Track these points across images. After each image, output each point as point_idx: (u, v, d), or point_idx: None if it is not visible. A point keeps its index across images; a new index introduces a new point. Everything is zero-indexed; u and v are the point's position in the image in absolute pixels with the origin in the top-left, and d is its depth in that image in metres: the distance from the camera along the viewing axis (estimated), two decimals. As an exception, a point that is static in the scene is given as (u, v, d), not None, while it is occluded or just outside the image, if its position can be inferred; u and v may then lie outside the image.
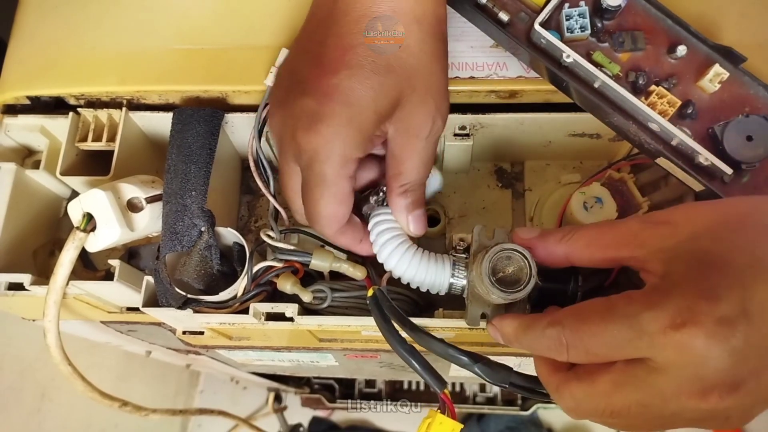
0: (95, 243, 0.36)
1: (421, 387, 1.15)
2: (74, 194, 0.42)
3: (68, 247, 0.36)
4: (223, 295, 0.36)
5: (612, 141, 0.41)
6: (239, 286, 0.36)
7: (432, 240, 0.44)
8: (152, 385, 1.12)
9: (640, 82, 0.33)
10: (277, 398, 1.21)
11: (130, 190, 0.37)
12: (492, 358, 0.32)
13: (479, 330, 0.36)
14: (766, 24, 0.37)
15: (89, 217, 0.36)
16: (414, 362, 0.32)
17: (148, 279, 0.37)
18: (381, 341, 0.34)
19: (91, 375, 0.43)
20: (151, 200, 0.37)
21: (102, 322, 0.50)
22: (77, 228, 0.36)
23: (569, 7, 0.34)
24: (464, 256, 0.35)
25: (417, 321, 0.34)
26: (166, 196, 0.36)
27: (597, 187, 0.39)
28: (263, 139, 0.39)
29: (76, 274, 0.37)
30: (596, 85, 0.33)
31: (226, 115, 0.39)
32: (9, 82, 0.41)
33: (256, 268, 0.36)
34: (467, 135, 0.40)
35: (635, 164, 0.41)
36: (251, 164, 0.38)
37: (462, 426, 0.31)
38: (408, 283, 0.35)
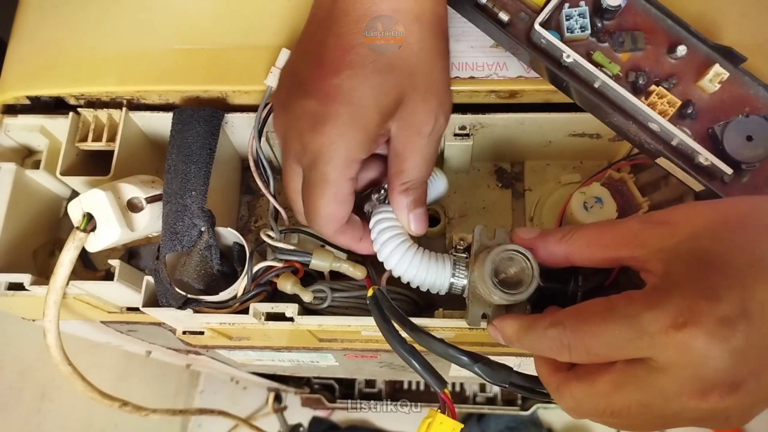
0: (95, 243, 0.36)
1: (421, 387, 1.15)
2: (74, 194, 0.42)
3: (68, 247, 0.36)
4: (223, 295, 0.36)
5: (612, 141, 0.41)
6: (239, 286, 0.36)
7: (432, 240, 0.44)
8: (152, 385, 1.12)
9: (640, 82, 0.33)
10: (277, 398, 1.21)
11: (130, 190, 0.37)
12: (492, 358, 0.32)
13: (479, 330, 0.36)
14: (766, 24, 0.37)
15: (89, 217, 0.36)
16: (414, 362, 0.32)
17: (148, 279, 0.37)
18: (381, 341, 0.34)
19: (91, 375, 0.43)
20: (151, 200, 0.37)
21: (102, 322, 0.50)
22: (77, 228, 0.36)
23: (569, 7, 0.34)
24: (465, 255, 0.35)
25: (417, 321, 0.34)
26: (166, 196, 0.36)
27: (597, 187, 0.39)
28: (263, 139, 0.39)
29: (76, 274, 0.37)
30: (596, 85, 0.33)
31: (226, 115, 0.39)
32: (9, 82, 0.41)
33: (256, 268, 0.36)
34: (467, 135, 0.40)
35: (635, 164, 0.41)
36: (251, 164, 0.38)
37: (462, 426, 0.31)
38: (408, 283, 0.35)
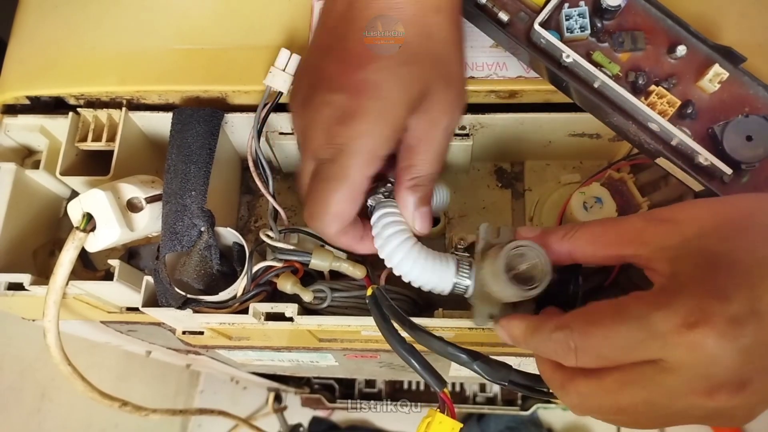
0: (95, 243, 0.36)
1: (421, 387, 1.15)
2: (74, 194, 0.42)
3: (68, 247, 0.36)
4: (223, 295, 0.36)
5: (612, 141, 0.41)
6: (239, 286, 0.36)
7: (432, 240, 0.43)
8: (152, 385, 1.12)
9: (640, 82, 0.33)
10: (277, 398, 1.21)
11: (130, 190, 0.37)
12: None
13: (479, 330, 0.36)
14: (766, 24, 0.37)
15: (89, 217, 0.36)
16: (413, 361, 0.32)
17: (148, 279, 0.37)
18: (381, 341, 0.34)
19: (91, 375, 0.43)
20: (150, 200, 0.37)
21: (102, 322, 0.50)
22: (77, 228, 0.36)
23: (569, 7, 0.34)
24: (466, 255, 0.35)
25: (416, 321, 0.34)
26: (165, 196, 0.36)
27: (597, 187, 0.39)
28: (263, 139, 0.39)
29: (76, 274, 0.37)
30: (596, 85, 0.33)
31: (225, 115, 0.39)
32: (9, 82, 0.41)
33: (255, 268, 0.36)
34: (467, 135, 0.40)
35: (635, 164, 0.41)
36: (250, 164, 0.38)
37: (461, 425, 0.31)
38: (409, 282, 0.34)
